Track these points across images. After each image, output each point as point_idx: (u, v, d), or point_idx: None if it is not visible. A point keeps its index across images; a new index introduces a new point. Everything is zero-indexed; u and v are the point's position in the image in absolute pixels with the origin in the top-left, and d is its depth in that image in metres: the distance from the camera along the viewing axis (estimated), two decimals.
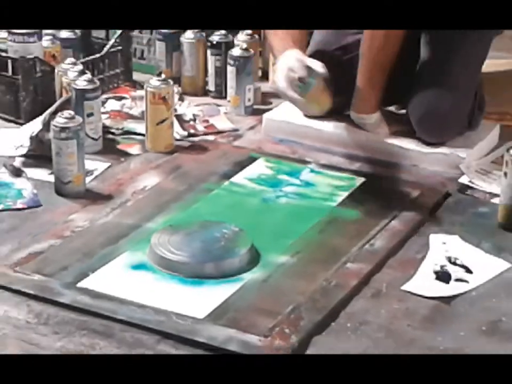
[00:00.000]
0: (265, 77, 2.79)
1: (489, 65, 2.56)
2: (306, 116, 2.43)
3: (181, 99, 2.58)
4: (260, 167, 2.26)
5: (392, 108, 2.45)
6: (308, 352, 1.57)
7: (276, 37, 2.28)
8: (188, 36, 2.69)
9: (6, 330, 1.60)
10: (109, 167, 2.23)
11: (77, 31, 2.68)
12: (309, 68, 2.11)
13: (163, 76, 2.35)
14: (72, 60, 2.46)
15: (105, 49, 2.65)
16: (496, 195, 2.04)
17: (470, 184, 2.16)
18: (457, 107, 2.28)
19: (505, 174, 1.95)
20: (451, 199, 2.11)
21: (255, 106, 2.60)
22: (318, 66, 2.14)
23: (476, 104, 2.35)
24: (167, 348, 1.57)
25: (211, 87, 2.73)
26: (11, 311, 1.66)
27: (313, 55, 2.42)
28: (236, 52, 2.57)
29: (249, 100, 2.58)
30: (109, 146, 2.34)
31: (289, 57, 2.16)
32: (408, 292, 1.74)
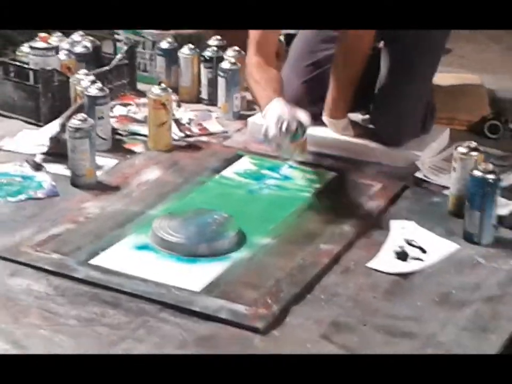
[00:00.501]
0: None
1: (440, 78, 2.58)
2: None
3: (178, 105, 2.58)
4: (245, 163, 2.25)
5: (357, 113, 2.44)
6: (287, 320, 1.57)
7: (259, 87, 2.19)
8: (184, 52, 2.69)
9: (30, 301, 1.60)
10: (117, 163, 2.23)
11: (89, 46, 2.66)
12: (298, 120, 2.03)
13: (163, 85, 2.34)
14: (85, 71, 2.45)
15: (113, 62, 2.63)
16: (446, 187, 2.04)
17: (425, 178, 2.16)
18: (412, 114, 2.29)
19: (454, 169, 1.96)
20: (408, 191, 2.11)
21: (242, 112, 2.59)
22: (306, 119, 2.05)
23: (428, 111, 2.36)
24: (167, 316, 1.56)
25: (204, 95, 2.71)
26: (33, 284, 1.65)
27: (289, 71, 2.43)
28: (225, 65, 2.56)
29: (236, 106, 2.57)
30: (117, 145, 2.33)
31: (277, 107, 2.05)
32: (373, 268, 1.75)
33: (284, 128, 1.97)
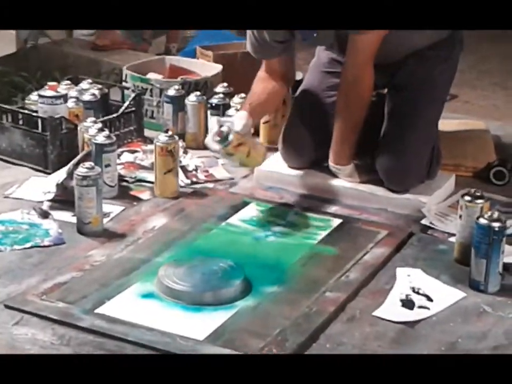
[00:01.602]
0: (256, 133, 2.79)
1: (446, 124, 2.59)
2: (290, 167, 2.43)
3: (185, 152, 2.58)
4: (252, 210, 2.25)
5: (362, 159, 2.44)
6: None
7: (248, 95, 2.35)
8: (191, 99, 2.70)
9: (33, 351, 1.59)
10: (123, 210, 2.23)
11: (97, 94, 2.68)
12: (227, 125, 2.09)
13: (170, 132, 2.34)
14: (93, 119, 2.46)
15: (121, 110, 2.65)
16: (453, 234, 2.04)
17: (430, 225, 2.16)
18: (417, 160, 2.29)
19: (460, 216, 1.96)
20: (414, 238, 2.11)
21: None
22: (238, 124, 2.11)
23: (434, 157, 2.36)
24: None
25: None
26: (38, 334, 1.65)
27: (294, 117, 2.46)
28: (231, 112, 2.58)
29: None
30: (123, 192, 2.33)
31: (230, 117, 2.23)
32: (378, 317, 1.74)
33: (211, 136, 2.07)
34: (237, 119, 2.15)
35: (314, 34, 2.20)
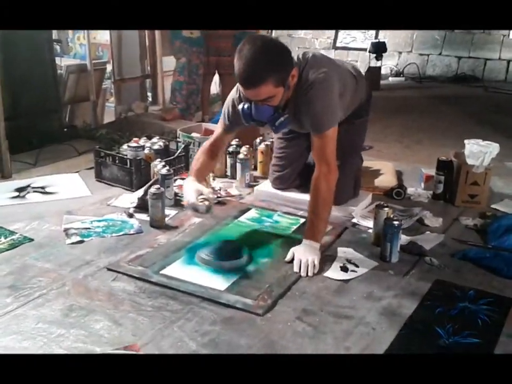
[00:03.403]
0: (255, 168, 2.77)
1: (367, 163, 2.59)
2: (274, 188, 2.37)
3: (214, 179, 2.57)
4: (252, 213, 2.23)
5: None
6: (276, 308, 1.54)
7: (194, 161, 1.99)
8: None
9: (124, 296, 1.59)
10: (176, 213, 2.20)
11: (162, 145, 2.66)
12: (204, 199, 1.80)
13: None
14: (159, 160, 2.45)
15: (176, 154, 2.64)
16: (370, 228, 2.02)
17: (358, 223, 2.14)
18: (347, 186, 2.22)
19: (375, 217, 1.95)
20: (348, 230, 2.09)
21: (251, 183, 2.56)
22: (206, 192, 1.83)
23: (357, 184, 2.30)
24: (205, 305, 1.55)
25: (229, 173, 2.69)
26: (126, 286, 1.65)
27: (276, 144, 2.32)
28: (241, 156, 2.56)
29: (247, 180, 2.56)
30: (177, 203, 2.30)
31: (187, 185, 1.87)
32: (327, 276, 1.73)
33: (198, 210, 1.80)
34: (199, 187, 1.84)
35: (285, 129, 1.91)
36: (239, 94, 1.88)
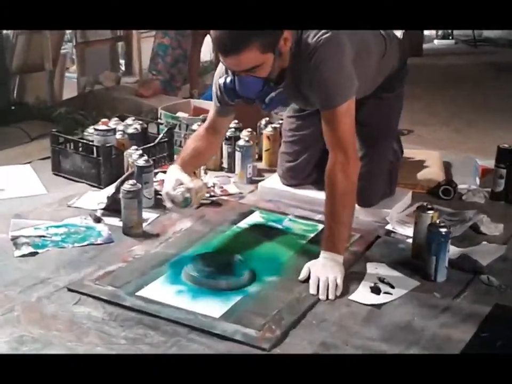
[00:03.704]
0: (260, 158, 2.79)
1: (407, 153, 2.58)
2: (284, 184, 2.40)
3: (206, 173, 2.58)
4: (256, 217, 2.24)
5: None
6: (287, 340, 1.55)
7: (182, 150, 2.10)
8: None
9: (89, 325, 1.59)
10: (158, 216, 2.22)
11: (139, 128, 2.68)
12: (181, 191, 1.87)
13: None
14: (135, 147, 2.45)
15: (157, 140, 2.65)
16: (410, 237, 2.02)
17: (393, 230, 2.15)
18: (379, 182, 2.23)
19: (416, 223, 1.95)
20: (380, 240, 2.09)
21: (254, 178, 2.58)
22: (187, 182, 1.88)
23: (393, 180, 2.31)
24: (194, 337, 1.55)
25: (225, 165, 2.71)
26: (92, 311, 1.65)
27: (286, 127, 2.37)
28: (241, 142, 2.57)
29: (249, 173, 2.57)
30: (158, 203, 2.30)
31: (169, 174, 1.95)
32: (353, 300, 1.73)
33: (174, 202, 1.88)
34: (180, 176, 1.91)
35: (276, 110, 1.97)
36: (225, 69, 1.88)
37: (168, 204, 1.92)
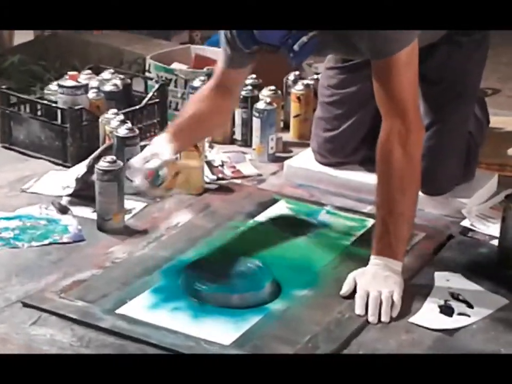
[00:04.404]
0: (286, 127, 2.79)
1: (493, 121, 2.57)
2: (320, 163, 2.43)
3: (211, 146, 2.59)
4: (281, 208, 2.25)
5: None
6: None
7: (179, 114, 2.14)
8: None
9: (52, 352, 1.59)
10: (145, 206, 2.23)
11: (119, 84, 2.69)
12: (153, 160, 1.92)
13: None
14: (115, 110, 2.47)
15: (144, 101, 2.67)
16: (495, 237, 2.02)
17: (471, 227, 2.15)
18: (451, 161, 2.24)
19: (503, 218, 1.94)
20: (454, 240, 2.10)
21: (277, 154, 2.60)
22: (165, 153, 1.94)
23: (471, 157, 2.31)
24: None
25: (238, 136, 2.73)
26: (57, 334, 1.65)
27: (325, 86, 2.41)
28: (260, 105, 2.58)
29: (272, 148, 2.58)
30: None
31: (151, 146, 2.02)
32: (415, 323, 1.73)
33: (140, 181, 1.92)
34: (160, 147, 1.97)
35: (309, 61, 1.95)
36: None
37: (135, 182, 1.94)
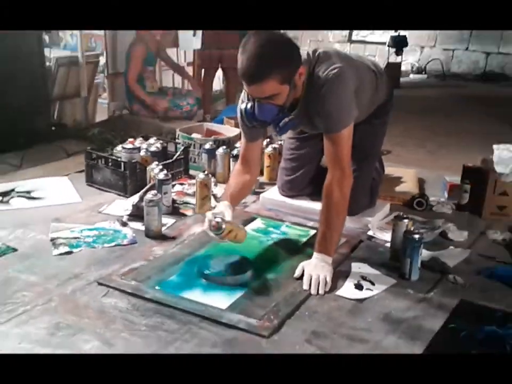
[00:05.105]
0: (262, 173, 2.78)
1: (388, 170, 2.58)
2: (283, 195, 2.38)
3: (216, 185, 2.57)
4: (258, 223, 2.24)
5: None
6: (283, 329, 1.54)
7: (226, 187, 1.99)
8: (220, 151, 2.68)
9: (115, 314, 1.59)
10: (175, 222, 2.22)
11: (159, 147, 2.68)
12: (219, 217, 1.77)
13: (206, 172, 2.34)
14: (156, 163, 2.46)
15: (175, 157, 2.66)
16: (388, 241, 2.02)
17: (374, 235, 2.14)
18: (362, 195, 2.22)
19: (393, 230, 1.95)
20: (363, 244, 2.09)
21: (256, 190, 2.55)
22: (228, 215, 1.80)
23: (374, 192, 2.30)
24: (205, 325, 1.54)
25: None
26: (118, 302, 1.65)
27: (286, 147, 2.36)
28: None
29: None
30: (175, 211, 2.32)
31: (217, 207, 1.87)
32: (340, 295, 1.72)
33: (207, 227, 1.77)
34: (225, 210, 1.83)
35: (287, 131, 1.90)
36: (247, 96, 1.86)
37: (204, 226, 1.81)
